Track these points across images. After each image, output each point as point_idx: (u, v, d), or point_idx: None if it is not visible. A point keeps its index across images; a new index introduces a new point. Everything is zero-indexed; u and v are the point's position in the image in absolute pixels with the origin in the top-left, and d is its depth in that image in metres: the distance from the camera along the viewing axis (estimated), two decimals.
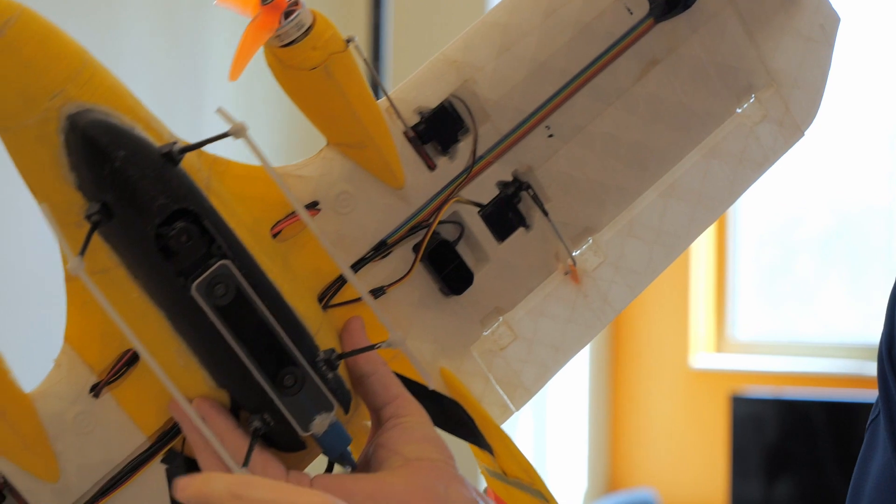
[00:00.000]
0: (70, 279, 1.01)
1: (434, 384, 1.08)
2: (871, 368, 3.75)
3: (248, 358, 0.97)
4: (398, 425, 1.03)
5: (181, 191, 0.95)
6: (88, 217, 0.94)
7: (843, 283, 4.03)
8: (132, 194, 0.94)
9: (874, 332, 3.68)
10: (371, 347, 1.03)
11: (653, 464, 4.04)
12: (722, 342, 4.11)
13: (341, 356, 1.02)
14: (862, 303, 4.02)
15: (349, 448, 1.03)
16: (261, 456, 0.99)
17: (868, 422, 1.05)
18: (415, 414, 1.04)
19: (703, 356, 4.10)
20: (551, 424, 4.73)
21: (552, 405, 4.77)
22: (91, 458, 1.02)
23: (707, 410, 3.99)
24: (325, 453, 1.02)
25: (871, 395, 3.64)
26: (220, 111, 0.97)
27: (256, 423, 0.99)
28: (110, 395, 1.02)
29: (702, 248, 4.57)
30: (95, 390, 1.02)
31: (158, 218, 0.94)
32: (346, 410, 1.02)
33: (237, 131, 0.96)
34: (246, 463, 0.98)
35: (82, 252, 0.94)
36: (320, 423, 0.99)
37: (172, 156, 0.95)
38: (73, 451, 1.02)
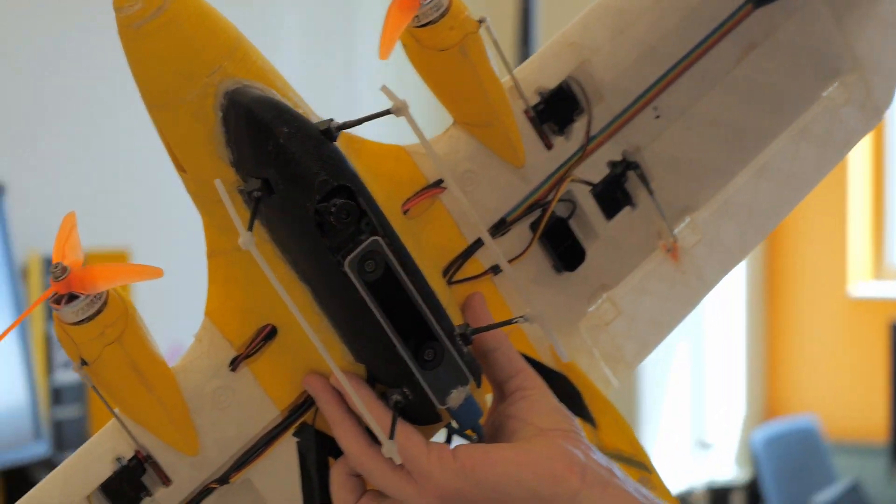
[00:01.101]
0: (212, 256, 1.02)
1: (548, 359, 1.11)
2: None
3: (392, 331, 0.98)
4: (526, 397, 1.04)
5: (340, 168, 0.96)
6: (250, 193, 0.95)
7: None
8: (295, 170, 0.94)
9: None
10: (509, 322, 1.04)
11: (812, 391, 3.99)
12: (880, 269, 4.05)
13: (476, 331, 1.03)
14: None
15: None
16: (402, 428, 1.00)
17: None
18: (539, 387, 1.06)
19: (861, 284, 4.03)
20: (709, 353, 4.68)
21: (710, 334, 4.72)
22: (227, 432, 1.04)
23: (866, 338, 3.95)
24: (458, 426, 1.04)
25: None
26: (384, 89, 0.98)
27: (396, 397, 1.00)
28: (247, 370, 1.03)
29: (859, 173, 4.46)
30: (234, 364, 1.03)
31: (319, 194, 0.95)
32: (479, 384, 1.04)
33: (398, 109, 0.97)
34: (392, 435, 0.99)
35: (250, 227, 0.94)
36: (456, 397, 1.01)
37: (331, 133, 0.96)
38: (210, 425, 1.03)
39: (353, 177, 0.97)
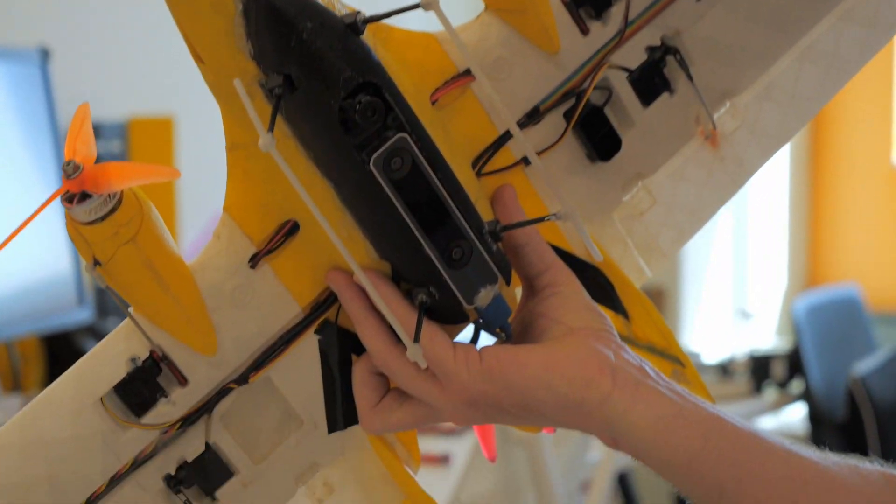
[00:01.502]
0: (231, 149, 0.98)
1: (580, 250, 1.07)
2: None
3: (419, 231, 0.94)
4: (556, 294, 1.01)
5: (366, 63, 0.91)
6: (271, 90, 0.91)
7: None
8: (319, 66, 0.90)
9: None
10: (539, 220, 1.00)
11: (854, 260, 3.93)
12: None
13: (506, 228, 0.99)
14: None
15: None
16: (428, 328, 0.97)
17: None
18: (570, 283, 1.02)
19: None
20: (751, 222, 4.65)
21: (752, 203, 4.69)
22: (246, 331, 1.00)
23: None
24: (486, 325, 1.00)
25: None
26: None
27: (422, 297, 0.96)
28: (268, 267, 1.00)
29: None
30: (254, 261, 0.99)
31: (344, 91, 0.90)
32: (508, 282, 1.00)
33: (427, 3, 0.92)
34: (417, 337, 0.95)
35: (271, 128, 0.89)
36: (485, 296, 0.97)
37: (356, 26, 0.91)
38: (229, 324, 1.00)
39: (380, 72, 0.92)
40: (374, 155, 0.92)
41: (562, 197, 0.99)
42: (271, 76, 0.91)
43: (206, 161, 2.12)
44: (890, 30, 1.12)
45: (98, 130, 2.51)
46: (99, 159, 2.82)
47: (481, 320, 1.00)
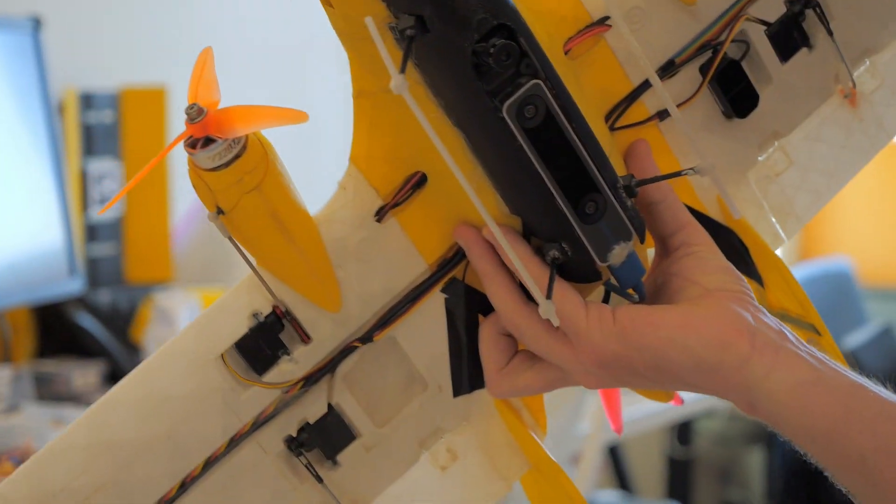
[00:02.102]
0: (358, 96, 0.93)
1: (714, 211, 1.02)
2: None
3: (552, 182, 0.90)
4: (691, 254, 0.96)
5: (500, 5, 0.87)
6: (402, 31, 0.86)
7: None
8: (453, 7, 0.85)
9: None
10: (677, 174, 0.95)
11: (847, 233, 3.85)
12: None
13: (641, 182, 0.94)
14: None
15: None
16: (560, 286, 0.92)
17: None
18: (706, 243, 0.97)
19: None
20: None
21: None
22: (371, 287, 0.96)
23: None
24: (618, 285, 0.96)
25: None
26: None
27: (554, 253, 0.92)
28: (394, 220, 0.95)
29: None
30: (380, 214, 0.95)
31: (477, 34, 0.86)
32: (643, 239, 0.95)
33: None
34: (549, 293, 0.90)
35: (403, 69, 0.85)
36: (619, 253, 0.93)
37: None
38: (354, 280, 0.95)
39: (515, 14, 0.88)
40: (508, 102, 0.87)
41: (700, 151, 0.95)
42: (403, 17, 0.86)
43: None
44: None
45: (89, 100, 2.48)
46: (89, 129, 2.77)
47: (613, 280, 0.96)
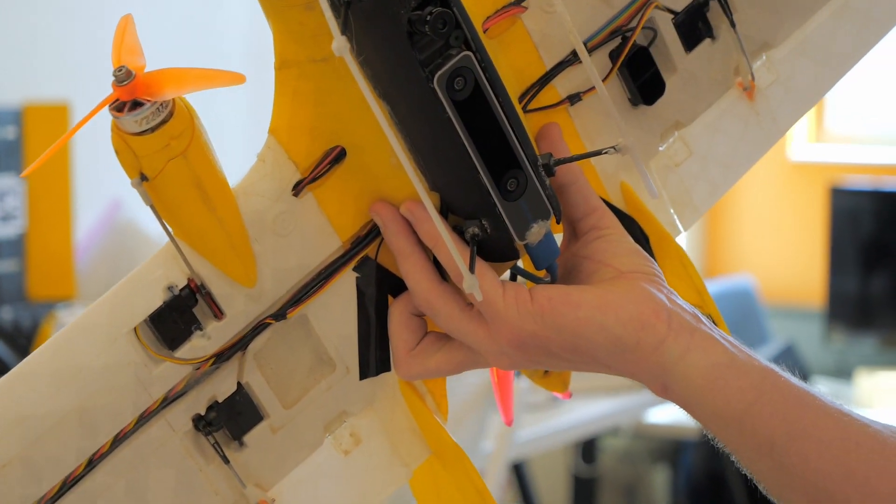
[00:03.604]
0: (281, 67, 0.89)
1: (617, 199, 1.01)
2: None
3: (476, 156, 0.86)
4: (602, 237, 0.93)
5: None
6: None
7: None
8: None
9: None
10: (597, 153, 0.92)
11: (749, 252, 3.82)
12: (821, 132, 3.85)
13: (560, 161, 0.90)
14: None
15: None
16: (478, 264, 0.88)
17: None
18: (616, 226, 0.94)
19: (801, 147, 3.84)
20: None
21: None
22: (287, 262, 0.91)
23: (805, 201, 3.75)
24: (534, 264, 0.92)
25: None
26: None
27: (474, 230, 0.88)
28: (311, 196, 0.91)
29: None
30: (298, 188, 0.90)
31: (415, 1, 0.82)
32: (559, 219, 0.91)
33: None
34: (472, 269, 0.86)
35: (343, 31, 0.81)
36: (537, 232, 0.89)
37: None
38: (270, 254, 0.90)
39: None
40: (439, 72, 0.83)
41: (623, 129, 0.92)
42: None
43: (102, 149, 2.04)
44: None
45: None
46: None
47: (530, 259, 0.92)
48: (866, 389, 3.52)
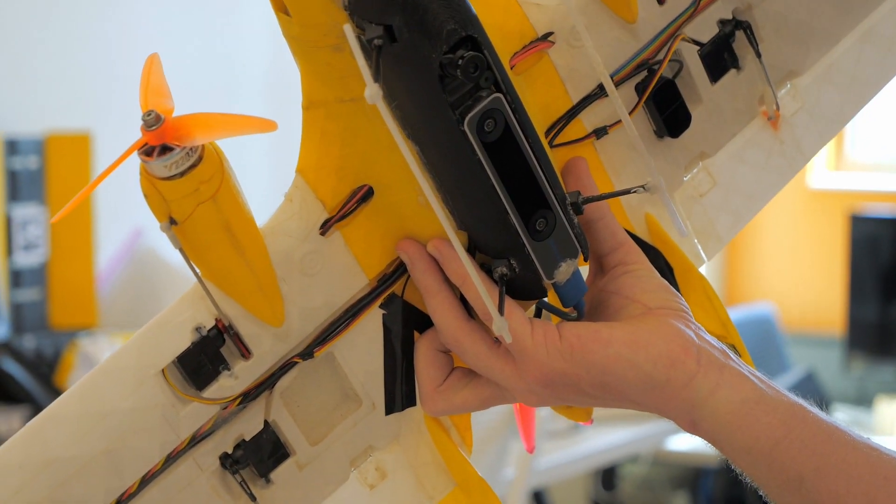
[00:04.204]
0: (308, 108, 0.88)
1: (642, 231, 1.00)
2: None
3: (506, 197, 0.85)
4: (630, 272, 0.92)
5: (468, 17, 0.81)
6: (370, 41, 0.80)
7: None
8: (423, 17, 0.80)
9: None
10: (626, 192, 0.91)
11: (770, 280, 3.80)
12: (841, 160, 3.83)
13: (588, 200, 0.90)
14: None
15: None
16: (507, 303, 0.87)
17: None
18: (643, 262, 0.93)
19: (821, 175, 3.81)
20: None
21: None
22: (314, 301, 0.90)
23: (825, 229, 3.73)
24: (561, 302, 0.91)
25: None
26: None
27: (503, 269, 0.87)
28: (338, 234, 0.90)
29: None
30: (325, 227, 0.89)
31: (447, 45, 0.81)
32: (587, 257, 0.90)
33: None
34: (501, 310, 0.85)
35: (376, 78, 0.79)
36: (565, 270, 0.88)
37: None
38: (297, 294, 0.90)
39: (480, 27, 0.82)
40: (469, 115, 0.82)
41: (651, 167, 0.92)
42: (369, 27, 0.81)
43: (123, 178, 2.05)
44: None
45: (14, 146, 2.42)
46: (14, 175, 2.72)
47: (557, 296, 0.90)
48: (886, 417, 3.50)
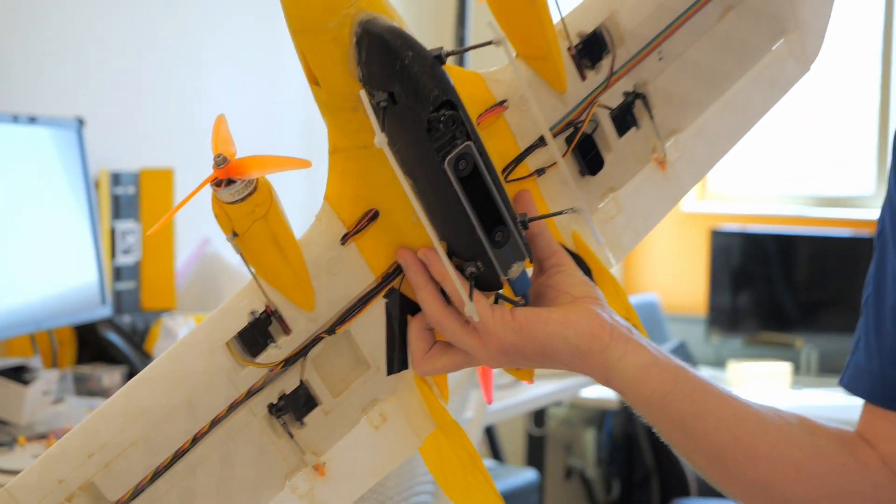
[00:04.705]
0: (333, 152, 0.86)
1: (569, 243, 0.99)
2: (808, 211, 3.63)
3: (475, 217, 0.84)
4: (561, 272, 0.91)
5: (448, 86, 0.81)
6: (378, 103, 0.80)
7: (794, 150, 3.69)
8: (415, 86, 0.80)
9: (811, 186, 3.63)
10: (558, 213, 0.90)
11: (655, 276, 3.81)
12: (705, 191, 3.82)
13: (532, 218, 0.89)
14: (802, 164, 3.70)
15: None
16: (475, 293, 0.87)
17: (876, 235, 0.91)
18: (571, 264, 0.92)
19: (691, 201, 3.82)
20: None
21: None
22: (336, 293, 0.89)
23: (694, 240, 3.76)
24: (514, 292, 0.90)
25: (809, 230, 3.54)
26: (490, 24, 0.85)
27: (472, 269, 0.86)
28: (354, 245, 0.89)
29: None
30: (345, 239, 0.88)
31: (432, 106, 0.80)
32: (532, 260, 0.90)
33: (499, 40, 0.84)
34: (471, 298, 0.85)
35: (383, 129, 0.79)
36: (516, 269, 0.87)
37: (441, 58, 0.82)
38: (324, 287, 0.88)
39: (456, 94, 0.82)
40: (448, 157, 0.81)
41: (577, 195, 0.91)
42: (377, 94, 0.80)
43: (195, 201, 2.03)
44: (782, 91, 1.03)
45: (118, 178, 2.40)
46: (117, 199, 2.67)
47: (509, 289, 0.90)
48: (735, 374, 3.51)
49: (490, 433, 3.40)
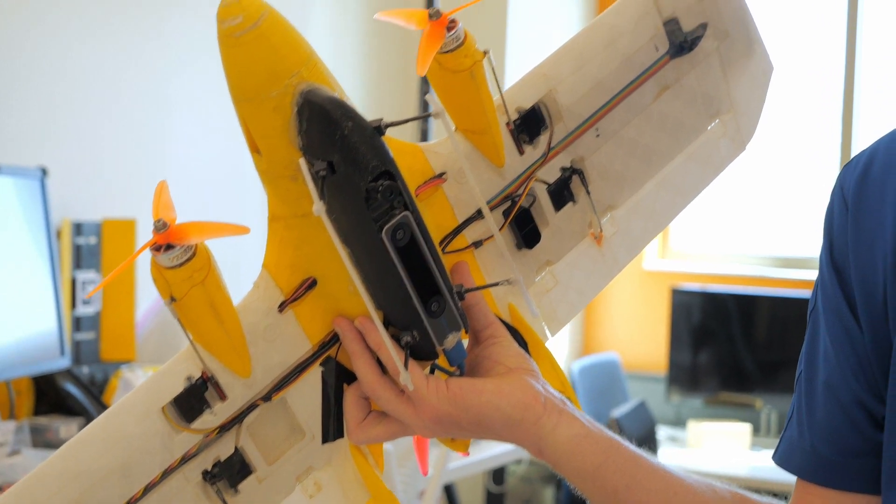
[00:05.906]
0: (272, 220, 0.87)
1: (505, 316, 1.00)
2: (768, 272, 3.65)
3: (411, 286, 0.84)
4: (496, 343, 0.92)
5: (386, 156, 0.82)
6: (317, 172, 0.81)
7: (755, 211, 3.74)
8: (354, 156, 0.81)
9: (772, 247, 3.67)
10: (495, 284, 0.91)
11: (615, 335, 3.84)
12: (666, 250, 3.83)
13: (469, 290, 0.90)
14: (763, 225, 3.74)
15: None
16: (410, 362, 0.88)
17: (808, 312, 0.92)
18: (506, 336, 0.93)
19: (652, 260, 3.82)
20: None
21: None
22: (273, 360, 0.89)
23: (654, 298, 3.76)
24: (449, 362, 0.91)
25: (770, 291, 3.55)
26: (429, 97, 0.88)
27: (407, 338, 0.87)
28: (291, 312, 0.89)
29: None
30: (282, 307, 0.89)
31: (371, 176, 0.81)
32: (468, 331, 0.90)
33: (438, 113, 0.85)
34: (406, 366, 0.85)
35: (322, 198, 0.80)
36: (452, 340, 0.88)
37: (381, 129, 0.82)
38: (261, 354, 0.89)
39: (394, 164, 0.83)
40: (386, 227, 0.82)
41: (513, 268, 0.93)
42: (317, 163, 0.81)
43: None
44: (717, 170, 1.06)
45: (79, 227, 2.41)
46: (79, 249, 2.65)
47: (446, 358, 0.90)
48: (695, 434, 3.52)
49: (449, 491, 3.38)
